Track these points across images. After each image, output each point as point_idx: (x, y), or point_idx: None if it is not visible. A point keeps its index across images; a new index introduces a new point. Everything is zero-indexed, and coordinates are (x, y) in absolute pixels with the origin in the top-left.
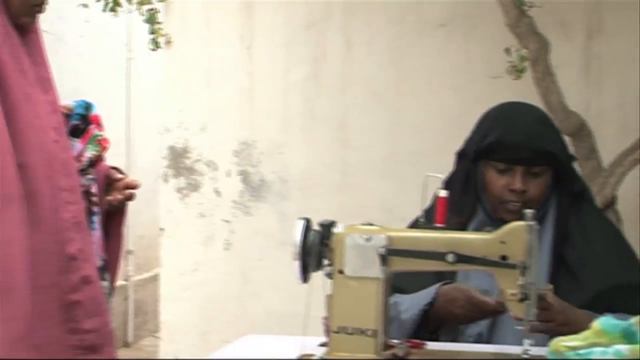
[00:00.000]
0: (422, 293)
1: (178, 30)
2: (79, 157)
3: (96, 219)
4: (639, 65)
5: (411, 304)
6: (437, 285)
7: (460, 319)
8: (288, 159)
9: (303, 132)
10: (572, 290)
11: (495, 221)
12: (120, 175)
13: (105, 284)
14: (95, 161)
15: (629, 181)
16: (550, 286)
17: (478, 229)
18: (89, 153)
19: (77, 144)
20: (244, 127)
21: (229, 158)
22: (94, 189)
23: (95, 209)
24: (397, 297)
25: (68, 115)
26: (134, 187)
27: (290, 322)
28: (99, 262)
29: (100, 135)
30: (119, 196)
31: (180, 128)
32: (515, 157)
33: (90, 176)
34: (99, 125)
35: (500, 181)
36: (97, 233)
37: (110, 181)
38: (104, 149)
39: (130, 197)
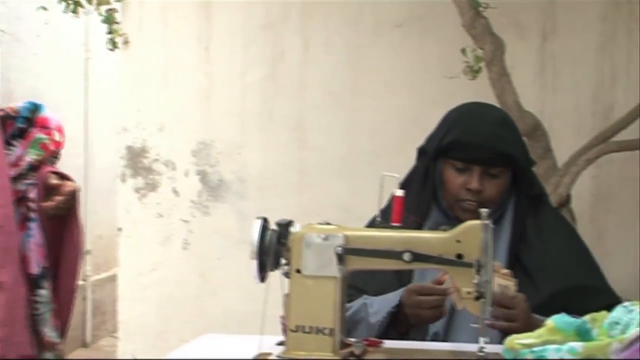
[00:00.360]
0: (391, 295)
1: (136, 30)
2: (17, 161)
3: (33, 225)
4: (593, 66)
5: (380, 307)
6: (401, 291)
7: (422, 316)
8: (246, 158)
9: (261, 132)
10: (527, 290)
11: (451, 220)
12: (55, 182)
13: (44, 292)
14: (37, 165)
15: (583, 180)
16: (507, 270)
17: (434, 228)
18: (30, 157)
19: (17, 148)
20: (202, 127)
21: (187, 158)
22: (32, 194)
23: (32, 214)
24: (366, 299)
25: (14, 117)
26: (70, 193)
27: (248, 321)
28: (36, 270)
29: (44, 139)
30: (52, 203)
31: (138, 128)
32: (473, 157)
33: (29, 181)
34: (44, 128)
35: (457, 180)
36: (34, 240)
37: (47, 187)
38: (49, 152)
39: (64, 203)
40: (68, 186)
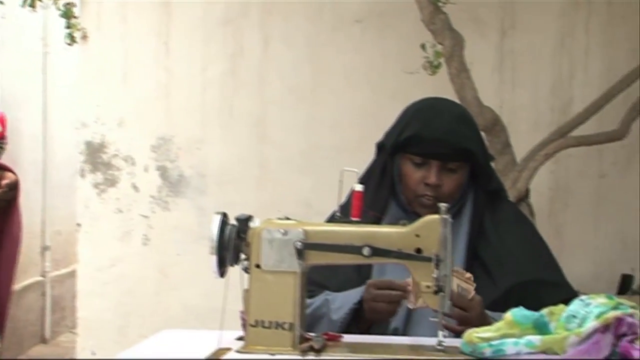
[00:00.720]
0: (353, 292)
1: (94, 25)
2: None
3: None
4: (552, 62)
5: (342, 303)
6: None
7: (377, 310)
8: (206, 154)
9: (221, 127)
10: (485, 285)
11: (410, 215)
12: None
13: None
14: None
15: (541, 175)
16: (469, 274)
17: (393, 223)
18: None
19: None
20: (161, 122)
21: (146, 153)
22: None
23: None
24: (328, 295)
25: None
26: (10, 185)
27: (208, 317)
28: None
29: None
30: None
31: (97, 123)
32: (431, 152)
33: None
34: None
35: (416, 175)
36: None
37: None
38: None
39: (3, 195)
40: (7, 177)
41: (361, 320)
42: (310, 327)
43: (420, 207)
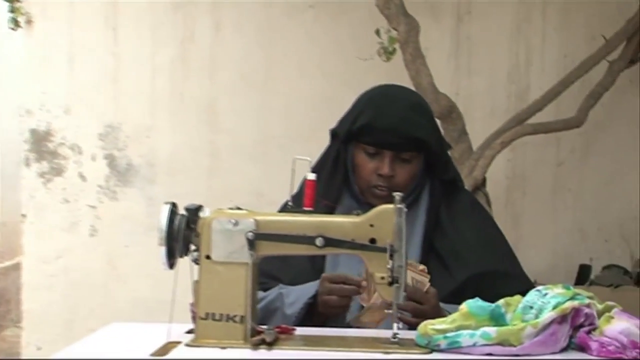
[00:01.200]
0: (308, 286)
1: (39, 9)
2: None
3: None
4: (508, 48)
5: (297, 297)
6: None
7: (329, 303)
8: (155, 142)
9: (171, 114)
10: (441, 277)
11: (364, 205)
12: None
13: None
14: None
15: (498, 163)
16: (423, 266)
17: (347, 213)
18: None
19: None
20: (109, 109)
21: (94, 141)
22: None
23: None
24: (282, 288)
25: None
26: None
27: (158, 309)
28: None
29: None
30: None
31: (42, 110)
32: (384, 142)
33: None
34: None
35: (369, 165)
36: None
37: None
38: None
39: None
40: None
41: (315, 315)
42: (263, 320)
43: (373, 198)
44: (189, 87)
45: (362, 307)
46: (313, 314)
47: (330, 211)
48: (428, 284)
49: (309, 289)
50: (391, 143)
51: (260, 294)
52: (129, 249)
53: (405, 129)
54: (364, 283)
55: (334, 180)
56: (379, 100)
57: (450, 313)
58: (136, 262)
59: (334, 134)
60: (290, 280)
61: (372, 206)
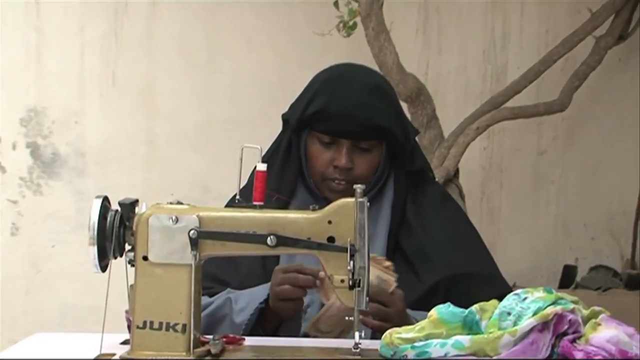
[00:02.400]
0: (260, 289)
1: None
2: None
3: None
4: (483, 23)
5: (246, 303)
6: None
7: (283, 294)
8: (85, 128)
9: (102, 98)
10: (408, 281)
11: (320, 200)
12: None
13: None
14: None
15: (473, 152)
16: (389, 263)
17: (302, 208)
18: None
19: None
20: (32, 92)
21: (14, 128)
22: None
23: None
24: (230, 293)
25: None
26: None
27: (88, 318)
28: None
29: None
30: None
31: None
32: (340, 130)
33: None
34: None
35: (324, 155)
36: None
37: None
38: None
39: None
40: None
41: (268, 320)
42: (209, 329)
43: (329, 192)
44: (122, 67)
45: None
46: (264, 321)
47: (284, 206)
48: (394, 284)
49: (260, 292)
50: (348, 131)
51: (205, 299)
52: (55, 250)
53: (363, 115)
54: (321, 274)
55: (287, 172)
56: (334, 82)
57: (418, 320)
58: (63, 264)
59: (285, 120)
60: (239, 284)
61: (329, 201)
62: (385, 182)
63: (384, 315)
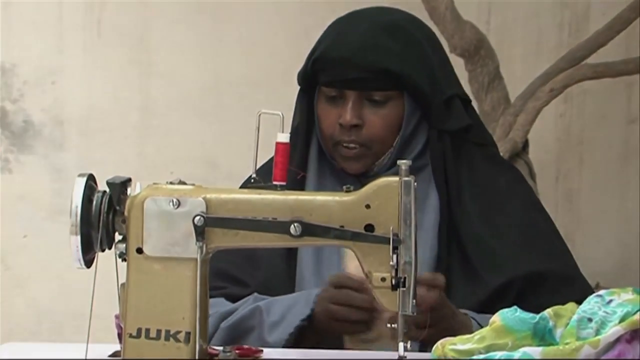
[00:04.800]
0: (296, 297)
1: None
2: None
3: None
4: None
5: (282, 316)
6: (318, 290)
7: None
8: (64, 91)
9: (86, 51)
10: (466, 280)
11: (348, 177)
12: None
13: None
14: None
15: (546, 120)
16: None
17: (322, 187)
18: None
19: None
20: None
21: None
22: None
23: None
24: (258, 299)
25: None
26: None
27: (69, 324)
28: None
29: None
30: None
31: None
32: (342, 78)
33: None
34: None
35: (331, 114)
36: None
37: None
38: None
39: None
40: None
41: (307, 339)
42: (231, 343)
43: (341, 160)
44: (110, 13)
45: None
46: (304, 337)
47: (301, 184)
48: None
49: (299, 301)
50: (350, 79)
51: (224, 303)
52: (28, 241)
53: (368, 57)
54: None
55: (297, 139)
56: (340, 24)
57: (480, 326)
58: (39, 258)
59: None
60: (258, 286)
61: (345, 174)
62: (423, 150)
63: (427, 318)
